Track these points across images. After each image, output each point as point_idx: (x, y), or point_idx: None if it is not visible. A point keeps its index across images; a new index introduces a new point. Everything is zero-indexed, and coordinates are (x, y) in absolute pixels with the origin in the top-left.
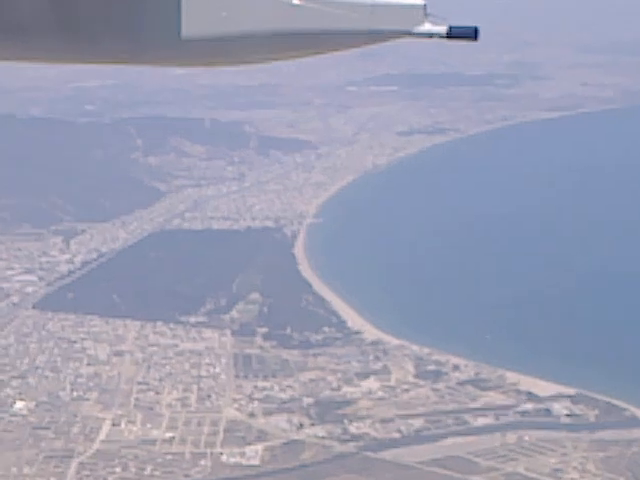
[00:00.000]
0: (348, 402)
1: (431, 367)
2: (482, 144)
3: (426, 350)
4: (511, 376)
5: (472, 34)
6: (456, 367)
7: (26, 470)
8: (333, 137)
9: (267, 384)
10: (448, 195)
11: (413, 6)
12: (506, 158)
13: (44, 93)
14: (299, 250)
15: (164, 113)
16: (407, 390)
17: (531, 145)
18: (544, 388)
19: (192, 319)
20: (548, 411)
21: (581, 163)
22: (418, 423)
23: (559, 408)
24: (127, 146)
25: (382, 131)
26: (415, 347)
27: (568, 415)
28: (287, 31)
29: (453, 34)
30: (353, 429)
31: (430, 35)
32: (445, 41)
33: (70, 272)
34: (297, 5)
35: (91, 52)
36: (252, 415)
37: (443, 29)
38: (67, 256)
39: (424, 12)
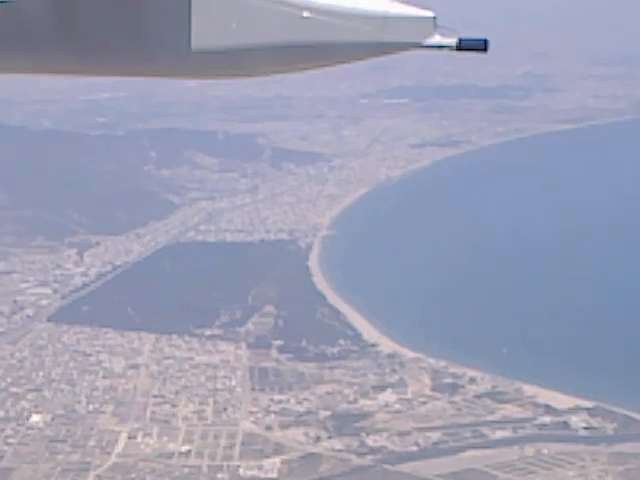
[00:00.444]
0: (365, 415)
1: (448, 380)
2: (494, 156)
3: (442, 363)
4: (528, 389)
5: (482, 46)
6: (473, 380)
7: None
8: (346, 149)
9: (283, 397)
10: (461, 207)
11: (423, 18)
12: (518, 170)
13: (56, 105)
14: (313, 262)
15: (177, 125)
16: (424, 403)
17: (543, 157)
18: (562, 401)
19: (207, 332)
20: (566, 424)
21: (593, 175)
22: (436, 436)
23: (577, 421)
24: (140, 158)
25: (395, 143)
26: (431, 360)
27: (586, 428)
28: (297, 43)
29: (463, 46)
30: (370, 442)
31: (440, 47)
32: (455, 53)
33: (84, 285)
34: (307, 17)
35: (100, 64)
36: (269, 428)
37: (453, 41)
38: (81, 269)
39: (434, 24)
